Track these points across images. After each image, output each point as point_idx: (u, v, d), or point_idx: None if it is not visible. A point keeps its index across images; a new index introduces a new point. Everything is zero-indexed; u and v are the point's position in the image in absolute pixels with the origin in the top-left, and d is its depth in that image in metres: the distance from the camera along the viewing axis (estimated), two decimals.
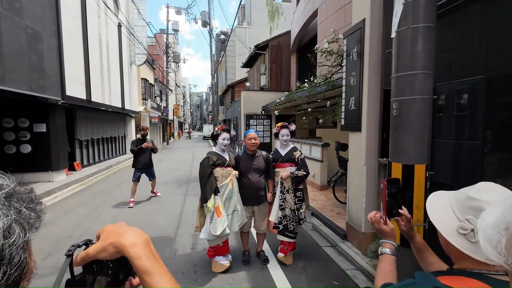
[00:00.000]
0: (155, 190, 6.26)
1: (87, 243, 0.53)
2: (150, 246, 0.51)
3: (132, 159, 5.80)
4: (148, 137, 5.82)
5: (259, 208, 3.18)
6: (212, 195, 2.85)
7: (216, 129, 3.14)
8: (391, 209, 0.98)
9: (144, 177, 5.81)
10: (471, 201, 0.70)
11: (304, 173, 3.12)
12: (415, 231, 1.04)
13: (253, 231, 3.46)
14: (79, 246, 0.52)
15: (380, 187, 3.43)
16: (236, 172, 3.08)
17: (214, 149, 3.13)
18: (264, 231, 3.25)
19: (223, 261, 3.03)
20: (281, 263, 3.19)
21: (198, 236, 3.05)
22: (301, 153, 3.25)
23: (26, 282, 0.42)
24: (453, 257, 0.77)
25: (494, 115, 2.00)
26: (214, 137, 3.14)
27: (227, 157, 3.05)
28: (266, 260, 3.22)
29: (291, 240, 3.17)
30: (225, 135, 3.04)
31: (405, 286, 0.73)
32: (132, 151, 5.57)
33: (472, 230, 0.67)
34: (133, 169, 5.69)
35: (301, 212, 3.14)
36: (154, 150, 5.76)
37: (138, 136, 5.78)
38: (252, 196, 3.11)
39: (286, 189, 3.13)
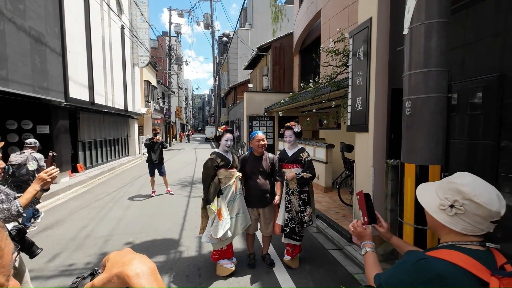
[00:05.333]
0: (168, 189, 6.69)
1: (93, 273, 0.52)
2: (156, 276, 0.48)
3: (136, 161, 6.16)
4: (159, 136, 6.56)
5: (265, 210, 3.09)
6: (215, 197, 2.80)
7: (219, 130, 3.03)
8: (370, 217, 1.18)
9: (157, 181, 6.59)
10: (449, 184, 0.87)
11: (310, 175, 3.03)
12: (390, 233, 1.22)
13: (258, 235, 3.40)
14: (84, 278, 0.52)
15: (387, 189, 3.36)
16: (239, 174, 3.02)
17: (217, 150, 3.05)
18: (269, 233, 3.17)
19: (228, 265, 2.97)
20: (287, 267, 3.12)
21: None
22: (308, 155, 3.18)
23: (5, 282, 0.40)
24: (438, 234, 0.92)
25: (510, 114, 1.93)
26: (218, 138, 3.04)
27: (230, 158, 2.98)
28: (271, 264, 3.15)
29: (297, 243, 3.10)
30: (228, 135, 2.97)
31: (397, 266, 0.86)
32: (145, 145, 6.36)
33: (450, 206, 0.84)
34: (147, 165, 6.53)
35: (304, 215, 3.05)
36: (164, 145, 6.53)
37: (151, 135, 6.62)
38: (258, 198, 3.03)
39: (291, 190, 3.06)
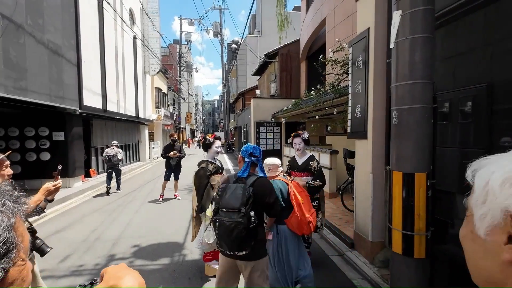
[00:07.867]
0: (176, 193, 6.86)
1: (92, 283, 0.62)
2: None
3: (147, 166, 6.38)
4: (173, 153, 6.57)
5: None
6: (210, 204, 2.93)
7: (209, 138, 3.18)
8: None
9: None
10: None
11: (320, 183, 3.07)
12: None
13: None
14: (85, 286, 0.61)
15: (386, 195, 3.40)
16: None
17: (205, 157, 3.13)
18: None
19: (216, 265, 3.08)
20: None
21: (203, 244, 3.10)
22: (318, 163, 3.22)
23: (28, 261, 0.51)
24: (274, 177, 2.54)
25: (498, 122, 1.98)
26: (208, 146, 3.12)
27: (219, 164, 3.14)
28: None
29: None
30: (218, 142, 3.16)
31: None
32: (162, 156, 6.68)
33: (269, 169, 2.63)
34: (165, 169, 6.73)
35: (317, 220, 3.11)
36: (181, 157, 6.67)
37: (170, 142, 6.79)
38: None
39: None
